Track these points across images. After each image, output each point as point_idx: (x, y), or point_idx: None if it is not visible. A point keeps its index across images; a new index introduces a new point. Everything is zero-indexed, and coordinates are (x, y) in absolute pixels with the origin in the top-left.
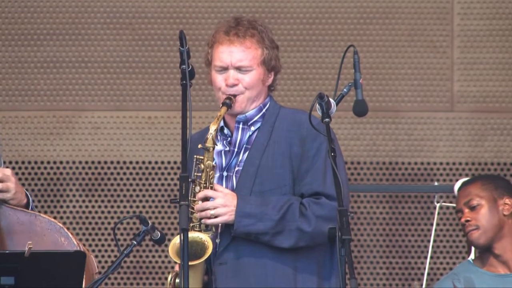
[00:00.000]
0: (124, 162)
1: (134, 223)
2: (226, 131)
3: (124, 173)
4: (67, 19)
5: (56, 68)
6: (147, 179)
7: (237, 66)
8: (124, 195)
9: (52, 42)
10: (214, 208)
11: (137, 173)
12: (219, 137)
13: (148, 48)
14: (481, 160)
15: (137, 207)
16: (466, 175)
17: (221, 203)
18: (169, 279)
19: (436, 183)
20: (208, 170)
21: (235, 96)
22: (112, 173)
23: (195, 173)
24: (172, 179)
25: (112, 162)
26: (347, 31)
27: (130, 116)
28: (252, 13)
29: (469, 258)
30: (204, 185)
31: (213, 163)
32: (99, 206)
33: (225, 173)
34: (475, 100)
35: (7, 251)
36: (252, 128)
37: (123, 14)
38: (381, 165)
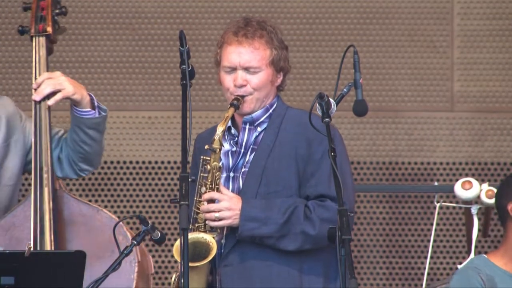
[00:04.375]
0: (124, 162)
1: (134, 223)
2: (233, 131)
3: (124, 173)
4: (67, 19)
5: (56, 68)
6: (147, 179)
7: (245, 66)
8: (124, 195)
9: None
10: (219, 211)
11: (137, 173)
12: (226, 137)
13: (148, 48)
14: (481, 160)
15: (137, 207)
16: (466, 175)
17: (226, 206)
18: (173, 279)
19: (436, 183)
20: (214, 171)
21: (243, 97)
22: (112, 173)
23: (202, 174)
24: (172, 179)
25: (112, 162)
26: (347, 31)
27: (130, 116)
28: (252, 13)
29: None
30: (210, 186)
31: (220, 164)
32: (99, 206)
33: (231, 174)
34: (475, 100)
35: (7, 251)
36: (259, 129)
37: (123, 14)
38: (381, 165)
